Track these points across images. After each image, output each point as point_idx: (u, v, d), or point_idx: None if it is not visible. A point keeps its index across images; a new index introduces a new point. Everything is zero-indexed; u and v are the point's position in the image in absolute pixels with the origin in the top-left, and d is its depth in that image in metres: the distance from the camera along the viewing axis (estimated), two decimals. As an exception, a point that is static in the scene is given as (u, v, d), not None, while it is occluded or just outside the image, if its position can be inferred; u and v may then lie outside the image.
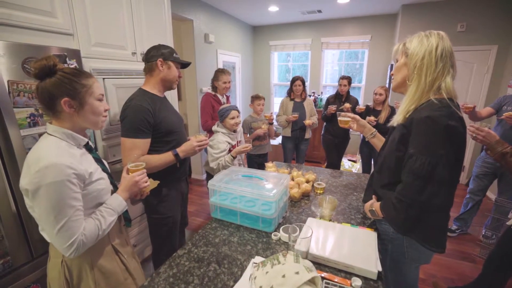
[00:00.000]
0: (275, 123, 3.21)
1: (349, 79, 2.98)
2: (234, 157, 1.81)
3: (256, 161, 2.69)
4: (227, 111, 1.88)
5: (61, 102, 0.82)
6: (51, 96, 0.81)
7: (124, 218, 1.10)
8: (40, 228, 0.87)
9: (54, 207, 0.75)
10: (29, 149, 1.17)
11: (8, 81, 1.11)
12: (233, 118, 1.89)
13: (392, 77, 1.06)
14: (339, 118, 1.43)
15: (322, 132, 3.31)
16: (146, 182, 1.03)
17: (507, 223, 1.42)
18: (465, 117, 2.29)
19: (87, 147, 0.95)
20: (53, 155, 0.77)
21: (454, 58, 0.92)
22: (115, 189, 1.01)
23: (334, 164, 3.37)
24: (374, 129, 1.34)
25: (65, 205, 0.77)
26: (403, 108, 0.97)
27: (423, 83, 0.91)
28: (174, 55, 1.38)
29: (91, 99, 0.89)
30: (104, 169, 0.98)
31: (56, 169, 0.75)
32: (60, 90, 0.82)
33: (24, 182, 0.77)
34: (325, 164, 3.54)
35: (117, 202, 0.93)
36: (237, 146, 1.96)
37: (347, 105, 2.89)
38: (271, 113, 2.70)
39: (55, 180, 0.74)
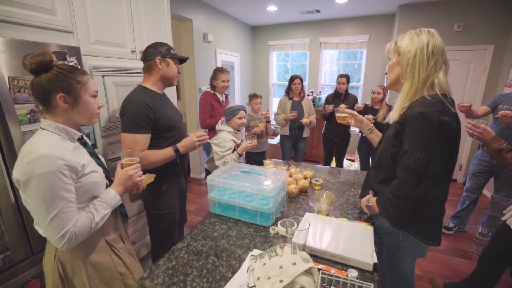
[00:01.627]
0: (273, 122, 3.22)
1: (347, 77, 3.01)
2: (240, 155, 1.82)
3: (254, 159, 2.71)
4: (236, 110, 1.90)
5: (56, 98, 0.83)
6: (46, 91, 0.83)
7: (120, 213, 1.10)
8: (35, 222, 0.88)
9: (45, 197, 0.76)
10: (30, 145, 1.19)
11: (8, 77, 1.12)
12: (240, 118, 1.91)
13: (386, 75, 1.07)
14: (337, 114, 1.45)
15: (323, 130, 3.33)
16: (140, 176, 1.04)
17: (502, 218, 1.44)
18: (462, 115, 2.32)
19: (82, 141, 0.95)
20: (45, 147, 0.78)
21: (446, 54, 0.93)
22: (111, 183, 1.02)
23: (337, 164, 3.39)
24: (372, 125, 1.36)
25: (57, 196, 0.78)
26: (398, 105, 0.99)
27: (417, 80, 0.93)
28: (172, 51, 1.40)
29: (86, 96, 0.90)
30: (99, 163, 0.99)
31: (47, 160, 0.76)
32: (56, 86, 0.83)
33: (16, 173, 0.78)
34: (323, 163, 3.57)
35: (111, 196, 0.94)
36: (241, 144, 1.98)
37: (343, 105, 2.91)
38: (267, 111, 2.70)
39: (46, 171, 0.75)
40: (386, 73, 1.08)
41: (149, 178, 1.13)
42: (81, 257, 0.91)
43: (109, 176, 1.05)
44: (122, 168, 1.03)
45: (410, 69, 0.93)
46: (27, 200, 0.81)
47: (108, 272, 0.97)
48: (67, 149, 0.84)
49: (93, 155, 0.98)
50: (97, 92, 0.96)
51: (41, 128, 0.86)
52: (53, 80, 0.83)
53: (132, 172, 1.00)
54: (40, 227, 0.85)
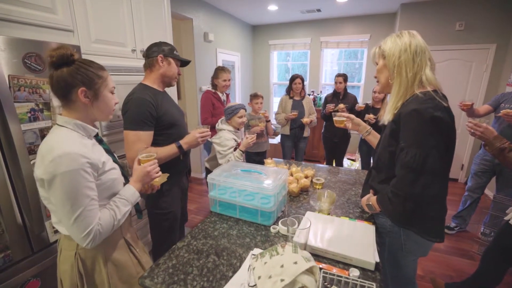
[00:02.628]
0: (273, 121, 3.21)
1: (344, 76, 3.00)
2: (243, 152, 1.83)
3: (255, 159, 2.70)
4: (237, 109, 1.90)
5: (78, 92, 0.83)
6: (67, 85, 0.82)
7: (136, 210, 1.10)
8: (56, 220, 0.87)
9: (69, 196, 0.75)
10: (30, 143, 1.19)
11: (8, 76, 1.11)
12: (241, 116, 1.91)
13: (376, 79, 1.10)
14: (334, 118, 1.47)
15: (322, 130, 3.33)
16: (157, 172, 1.03)
17: (505, 218, 1.43)
18: (462, 113, 2.30)
19: (97, 138, 0.95)
20: (66, 144, 0.78)
21: (430, 53, 0.95)
22: (126, 180, 1.02)
23: (336, 164, 3.39)
24: (369, 127, 1.37)
25: (81, 194, 0.77)
26: (390, 105, 1.00)
27: (405, 79, 0.94)
28: (175, 52, 1.40)
29: (106, 91, 0.90)
30: (115, 160, 0.99)
31: (70, 158, 0.75)
32: (77, 79, 0.82)
33: (39, 172, 0.77)
34: (325, 163, 3.56)
35: (130, 193, 0.94)
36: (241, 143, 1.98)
37: (342, 105, 2.91)
38: (265, 111, 2.68)
39: (69, 169, 0.75)
40: (375, 77, 1.10)
41: (163, 177, 1.12)
42: (102, 255, 0.90)
43: (125, 173, 1.04)
44: (139, 164, 1.02)
45: (397, 70, 0.96)
46: (50, 198, 0.80)
47: (127, 271, 0.97)
48: (87, 146, 0.83)
49: (109, 152, 0.98)
50: (114, 88, 0.96)
51: (57, 125, 0.85)
52: (75, 73, 0.82)
53: (150, 168, 0.99)
54: (63, 226, 0.84)
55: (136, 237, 1.08)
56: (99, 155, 0.87)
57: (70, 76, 0.81)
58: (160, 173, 1.05)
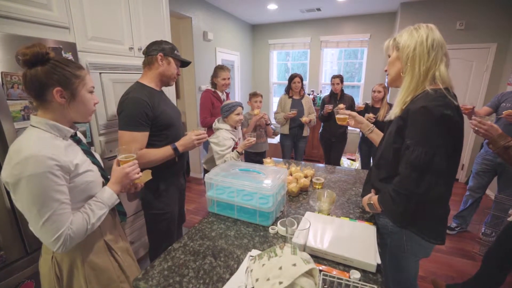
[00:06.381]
0: (273, 121, 3.19)
1: (340, 78, 2.99)
2: (240, 153, 1.80)
3: (253, 159, 2.68)
4: (233, 107, 1.87)
5: (53, 92, 0.79)
6: (42, 84, 0.78)
7: (119, 212, 1.07)
8: (29, 224, 0.85)
9: (36, 200, 0.73)
10: (23, 142, 1.16)
11: (1, 73, 1.09)
12: (238, 114, 1.88)
13: (386, 73, 1.06)
14: (336, 116, 1.44)
15: (320, 131, 3.31)
16: (137, 173, 0.99)
17: (508, 218, 1.41)
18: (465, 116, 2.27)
19: (75, 138, 0.92)
20: (34, 146, 0.74)
21: (446, 48, 0.92)
22: (107, 182, 0.98)
23: (332, 163, 3.36)
24: (372, 125, 1.34)
25: (49, 198, 0.74)
26: (399, 99, 0.97)
27: (417, 73, 0.91)
28: (175, 52, 1.38)
29: (83, 91, 0.87)
30: (95, 162, 0.95)
31: (36, 161, 0.72)
32: (53, 79, 0.79)
33: (5, 174, 0.74)
34: (324, 163, 3.54)
35: (107, 195, 0.90)
36: (239, 142, 1.95)
37: (341, 106, 2.89)
38: (264, 114, 2.64)
39: (35, 172, 0.71)
40: (386, 70, 1.06)
41: (146, 175, 1.09)
42: (79, 259, 0.88)
43: (105, 174, 1.01)
44: (119, 165, 0.98)
45: (410, 62, 0.92)
46: (17, 202, 0.77)
47: (106, 274, 0.94)
48: (58, 148, 0.80)
49: (88, 153, 0.94)
50: (93, 87, 0.92)
51: (30, 125, 0.82)
52: (50, 73, 0.79)
53: (129, 169, 0.96)
54: (33, 229, 0.82)
55: (120, 239, 1.05)
56: (72, 157, 0.83)
57: (45, 75, 0.78)
58: (140, 173, 1.02)
